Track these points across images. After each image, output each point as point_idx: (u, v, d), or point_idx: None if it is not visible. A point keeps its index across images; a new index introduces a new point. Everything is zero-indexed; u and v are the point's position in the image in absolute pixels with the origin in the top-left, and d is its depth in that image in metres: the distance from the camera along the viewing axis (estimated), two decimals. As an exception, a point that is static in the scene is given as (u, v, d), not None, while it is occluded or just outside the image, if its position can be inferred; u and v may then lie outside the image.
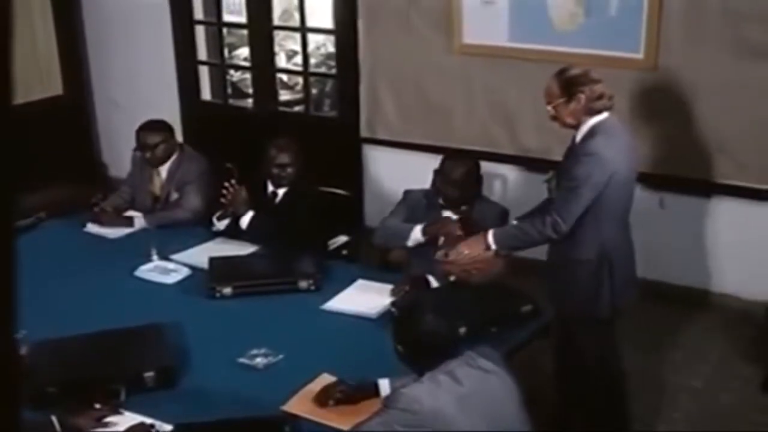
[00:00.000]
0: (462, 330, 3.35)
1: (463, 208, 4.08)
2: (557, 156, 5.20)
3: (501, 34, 5.32)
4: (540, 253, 3.88)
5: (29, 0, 6.60)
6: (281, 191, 4.55)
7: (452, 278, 3.83)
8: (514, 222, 3.84)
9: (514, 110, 5.45)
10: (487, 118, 5.52)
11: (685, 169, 5.14)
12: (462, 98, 5.55)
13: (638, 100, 5.10)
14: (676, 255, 5.31)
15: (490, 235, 3.72)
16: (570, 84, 3.62)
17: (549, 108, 3.68)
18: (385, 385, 3.12)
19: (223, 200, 4.43)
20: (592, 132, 3.62)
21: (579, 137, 3.67)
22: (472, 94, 5.54)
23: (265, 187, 4.58)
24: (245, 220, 4.42)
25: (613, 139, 3.62)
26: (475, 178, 4.12)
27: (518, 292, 3.82)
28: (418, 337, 2.86)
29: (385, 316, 3.68)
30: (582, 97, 3.60)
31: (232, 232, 4.50)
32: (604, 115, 3.64)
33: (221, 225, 4.51)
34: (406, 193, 4.29)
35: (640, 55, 5.02)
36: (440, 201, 4.13)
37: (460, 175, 4.06)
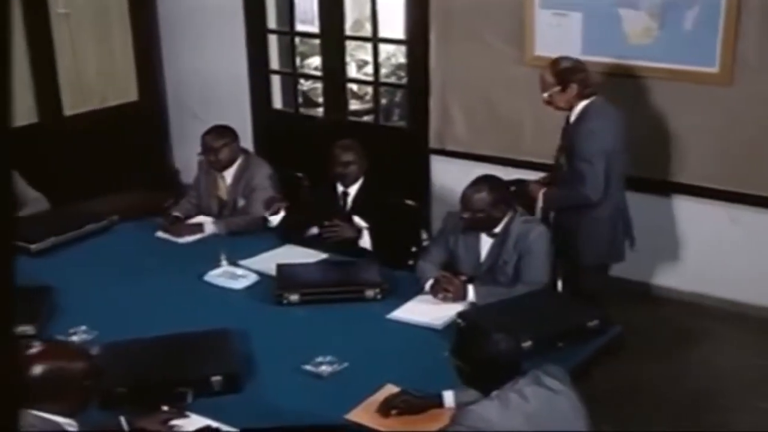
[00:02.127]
0: (527, 344, 3.32)
1: (497, 230, 4.03)
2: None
3: (573, 47, 5.27)
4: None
5: (108, 9, 6.73)
6: (352, 190, 4.65)
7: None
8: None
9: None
10: (556, 131, 5.47)
11: (758, 186, 5.04)
12: (531, 111, 5.51)
13: (712, 114, 5.03)
14: (752, 272, 5.21)
15: (540, 198, 4.36)
16: (563, 74, 4.28)
17: (544, 95, 4.33)
18: (449, 397, 3.11)
19: (328, 235, 4.50)
20: (586, 113, 4.29)
21: (573, 118, 4.34)
22: (542, 107, 5.49)
23: (335, 189, 4.67)
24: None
25: (606, 117, 4.32)
26: (494, 201, 3.97)
27: (585, 307, 3.78)
28: (486, 359, 2.82)
29: (451, 327, 3.67)
30: (575, 86, 4.28)
31: (300, 239, 4.59)
32: (592, 97, 4.30)
33: (275, 220, 4.63)
34: (448, 215, 4.27)
35: (715, 69, 4.95)
36: None
37: (477, 202, 3.97)
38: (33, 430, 2.56)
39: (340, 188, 4.69)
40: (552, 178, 4.63)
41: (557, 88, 4.30)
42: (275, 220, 4.63)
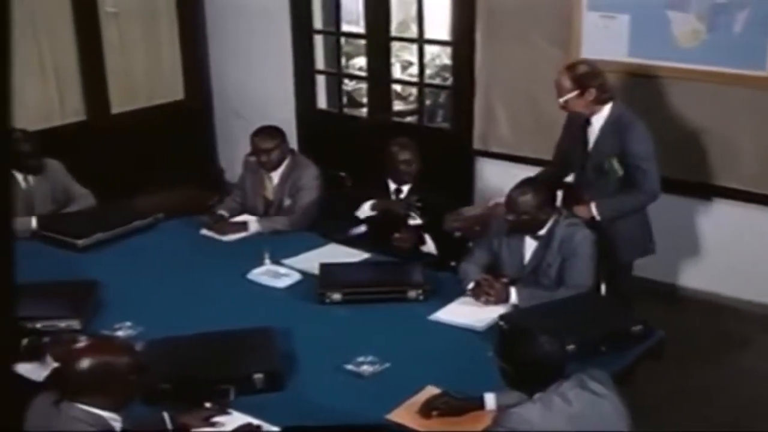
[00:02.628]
0: (571, 347, 3.30)
1: (541, 232, 4.01)
2: (672, 174, 5.12)
3: (621, 50, 5.25)
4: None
5: (156, 8, 6.80)
6: (405, 188, 4.72)
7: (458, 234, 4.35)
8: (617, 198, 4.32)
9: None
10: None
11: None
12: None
13: (759, 118, 4.96)
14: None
15: (594, 207, 4.26)
16: (582, 79, 4.23)
17: (560, 101, 4.28)
18: (490, 400, 3.10)
19: (400, 245, 4.53)
20: (622, 116, 4.28)
21: (601, 122, 4.29)
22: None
23: (387, 187, 4.73)
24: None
25: (638, 118, 4.31)
26: (539, 204, 3.95)
27: (629, 311, 3.75)
28: (531, 361, 2.80)
29: (493, 329, 3.65)
30: (593, 90, 4.23)
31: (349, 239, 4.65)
32: (610, 101, 4.29)
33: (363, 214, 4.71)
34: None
35: (764, 73, 4.88)
36: None
37: (522, 205, 3.95)
38: (79, 423, 2.59)
39: (392, 186, 4.74)
40: (576, 183, 4.56)
41: (575, 93, 4.25)
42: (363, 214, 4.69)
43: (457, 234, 4.43)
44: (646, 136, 4.27)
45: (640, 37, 5.21)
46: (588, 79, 4.24)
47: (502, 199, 4.25)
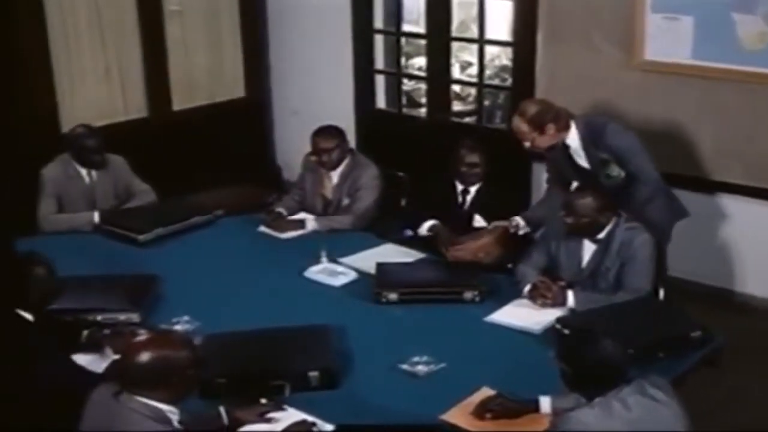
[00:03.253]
0: (629, 352, 3.26)
1: (600, 236, 3.97)
2: (736, 179, 5.05)
3: (684, 52, 5.18)
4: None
5: (218, 6, 6.86)
6: (473, 189, 4.74)
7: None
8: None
9: (693, 130, 5.31)
10: (664, 136, 5.38)
11: None
12: (638, 115, 5.41)
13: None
14: None
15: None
16: (536, 120, 4.25)
17: (526, 144, 4.31)
18: (546, 403, 3.08)
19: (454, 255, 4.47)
20: (590, 128, 4.31)
21: (575, 143, 4.34)
22: (650, 112, 5.41)
23: (454, 187, 4.74)
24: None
25: (607, 119, 4.45)
26: (599, 207, 3.92)
27: (688, 317, 3.70)
28: (593, 363, 2.77)
29: (549, 331, 3.64)
30: (551, 125, 4.27)
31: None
32: (572, 120, 4.33)
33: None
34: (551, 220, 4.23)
35: (833, 78, 4.79)
36: None
37: (582, 208, 3.92)
38: (138, 415, 2.63)
39: (459, 187, 4.75)
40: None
41: (535, 134, 4.27)
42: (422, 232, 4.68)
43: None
44: (620, 130, 4.36)
45: (704, 39, 5.14)
46: (541, 117, 4.26)
47: (503, 223, 4.39)
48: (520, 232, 4.49)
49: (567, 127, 4.33)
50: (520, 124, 4.30)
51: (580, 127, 4.34)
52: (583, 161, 4.40)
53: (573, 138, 4.35)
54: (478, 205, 4.72)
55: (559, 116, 4.31)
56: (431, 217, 4.65)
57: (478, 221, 4.69)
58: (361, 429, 3.08)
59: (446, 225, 4.62)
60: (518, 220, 4.49)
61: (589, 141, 4.33)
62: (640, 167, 4.29)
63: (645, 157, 4.32)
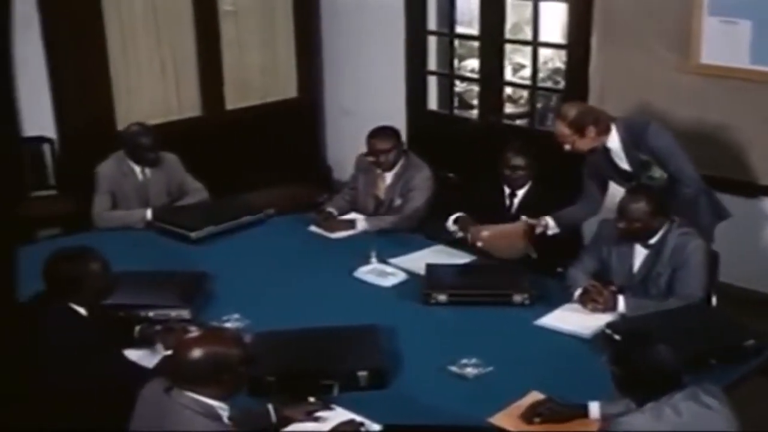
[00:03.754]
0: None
1: (652, 241, 3.92)
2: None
3: (741, 56, 5.11)
4: None
5: (273, 7, 6.91)
6: (520, 192, 4.71)
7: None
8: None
9: (748, 135, 5.24)
10: (718, 141, 5.31)
11: None
12: (692, 120, 5.36)
13: None
14: None
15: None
16: (576, 122, 4.22)
17: (567, 147, 4.28)
18: (595, 408, 3.06)
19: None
20: (632, 131, 4.27)
21: (616, 145, 4.30)
22: (704, 117, 5.34)
23: (503, 190, 4.73)
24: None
25: (647, 120, 4.42)
26: (652, 211, 3.87)
27: (741, 324, 3.65)
28: (647, 367, 2.75)
29: (599, 336, 3.61)
30: (591, 128, 4.23)
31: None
32: (613, 123, 4.29)
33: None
34: (602, 224, 4.20)
35: None
36: None
37: (635, 212, 3.87)
38: (188, 410, 2.65)
39: (506, 190, 4.73)
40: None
41: (576, 137, 4.25)
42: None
43: (480, 245, 4.40)
44: (661, 130, 4.31)
45: (762, 44, 5.06)
46: (581, 120, 4.24)
47: (533, 220, 4.42)
48: (549, 232, 4.45)
49: (607, 130, 4.30)
50: (561, 127, 4.28)
51: (621, 130, 4.30)
52: (624, 164, 4.36)
53: (614, 141, 4.32)
54: (525, 208, 4.67)
55: (600, 119, 4.29)
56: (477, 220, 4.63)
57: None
58: (408, 429, 3.08)
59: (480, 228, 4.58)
60: (548, 219, 4.46)
61: (629, 143, 4.29)
62: (680, 168, 4.25)
63: (684, 157, 4.28)
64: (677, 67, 5.38)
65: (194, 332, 3.12)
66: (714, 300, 4.05)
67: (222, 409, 2.72)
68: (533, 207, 4.62)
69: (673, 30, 5.36)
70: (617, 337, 3.46)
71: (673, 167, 4.25)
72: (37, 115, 6.07)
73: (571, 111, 4.30)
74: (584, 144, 4.29)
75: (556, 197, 4.63)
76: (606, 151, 4.36)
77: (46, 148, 6.17)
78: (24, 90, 6.01)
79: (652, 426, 2.64)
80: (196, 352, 2.69)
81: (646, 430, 2.64)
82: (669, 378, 2.74)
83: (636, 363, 2.78)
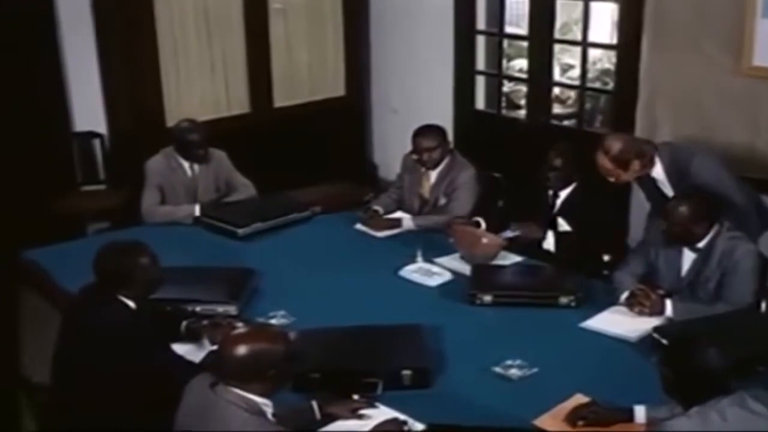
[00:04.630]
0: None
1: (700, 245, 3.88)
2: None
3: (795, 59, 5.04)
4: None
5: (321, 5, 6.94)
6: (563, 193, 4.66)
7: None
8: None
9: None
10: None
11: None
12: (744, 123, 5.29)
13: None
14: None
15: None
16: (619, 158, 4.19)
17: (612, 180, 4.26)
18: (640, 413, 3.04)
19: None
20: (676, 159, 4.23)
21: (662, 176, 4.26)
22: (756, 120, 5.27)
23: (547, 191, 4.70)
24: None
25: (690, 148, 4.39)
26: (694, 217, 3.84)
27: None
28: (697, 370, 2.74)
29: (645, 340, 3.59)
30: (635, 161, 4.20)
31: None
32: (655, 151, 4.26)
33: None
34: (650, 226, 4.15)
35: None
36: None
37: (676, 216, 3.84)
38: (233, 406, 2.68)
39: (550, 191, 4.70)
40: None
41: (620, 171, 4.23)
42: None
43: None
44: (705, 163, 4.23)
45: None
46: (625, 154, 4.20)
47: (499, 239, 4.43)
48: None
49: (652, 162, 4.25)
50: (605, 162, 4.23)
51: (665, 160, 4.25)
52: (669, 191, 4.30)
53: (658, 172, 4.28)
54: (567, 209, 4.65)
55: (643, 152, 4.24)
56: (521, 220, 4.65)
57: (562, 225, 4.61)
58: (451, 429, 3.08)
59: (534, 227, 4.62)
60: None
61: (674, 174, 4.24)
62: (727, 197, 4.16)
63: (732, 187, 4.21)
64: (729, 69, 5.31)
65: (240, 328, 3.14)
66: (763, 306, 3.99)
67: (266, 405, 2.74)
68: (573, 208, 4.60)
69: (725, 32, 5.29)
70: (665, 341, 3.43)
71: (721, 197, 4.14)
72: (88, 110, 6.17)
73: (615, 146, 4.23)
74: (629, 176, 4.29)
75: (598, 200, 4.58)
76: (652, 180, 4.33)
77: (96, 143, 6.27)
78: (76, 86, 6.17)
79: (697, 430, 2.62)
80: (242, 349, 2.71)
81: (691, 433, 2.62)
82: (717, 382, 2.72)
83: (686, 365, 2.76)
